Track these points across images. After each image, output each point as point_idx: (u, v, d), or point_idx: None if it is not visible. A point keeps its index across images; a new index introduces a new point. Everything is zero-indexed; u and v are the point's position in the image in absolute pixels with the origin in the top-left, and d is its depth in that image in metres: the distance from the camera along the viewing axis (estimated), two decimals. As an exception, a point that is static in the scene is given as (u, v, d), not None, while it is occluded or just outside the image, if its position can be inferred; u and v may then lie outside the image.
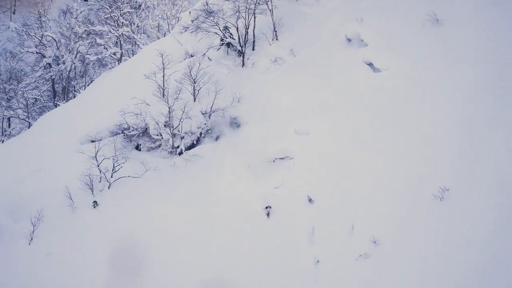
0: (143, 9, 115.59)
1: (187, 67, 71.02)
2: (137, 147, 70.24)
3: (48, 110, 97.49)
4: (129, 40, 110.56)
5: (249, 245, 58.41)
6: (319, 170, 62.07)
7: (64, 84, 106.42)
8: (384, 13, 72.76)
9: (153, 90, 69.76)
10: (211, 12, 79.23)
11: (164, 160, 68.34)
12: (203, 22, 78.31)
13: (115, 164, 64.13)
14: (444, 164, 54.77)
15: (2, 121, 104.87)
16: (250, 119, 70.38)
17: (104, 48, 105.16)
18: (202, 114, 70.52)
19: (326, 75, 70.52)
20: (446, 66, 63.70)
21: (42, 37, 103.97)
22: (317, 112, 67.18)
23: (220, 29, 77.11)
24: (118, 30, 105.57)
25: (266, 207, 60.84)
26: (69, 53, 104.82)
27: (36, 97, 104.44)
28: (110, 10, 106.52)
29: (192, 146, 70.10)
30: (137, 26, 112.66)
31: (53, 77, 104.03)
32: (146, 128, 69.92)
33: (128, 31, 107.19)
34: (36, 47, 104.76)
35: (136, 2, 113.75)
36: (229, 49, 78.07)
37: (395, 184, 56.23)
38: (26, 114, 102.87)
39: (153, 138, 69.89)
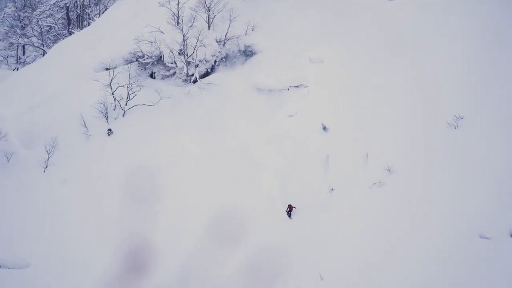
0: None
1: (202, -5, 70.52)
2: (152, 75, 70.14)
3: (63, 38, 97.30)
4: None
5: (263, 174, 58.53)
6: (334, 98, 61.87)
7: (79, 11, 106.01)
8: None
9: (167, 18, 69.39)
10: None
11: (179, 88, 68.26)
12: None
13: (130, 92, 64.15)
14: (459, 92, 54.45)
15: (17, 49, 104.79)
16: (264, 47, 70.01)
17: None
18: (217, 42, 70.19)
19: (341, 3, 69.81)
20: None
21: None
22: (332, 40, 66.71)
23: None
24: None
25: (289, 206, 56.23)
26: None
27: (51, 25, 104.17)
28: None
29: (206, 74, 69.93)
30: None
31: (67, 4, 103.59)
32: (161, 56, 69.71)
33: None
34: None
35: None
36: (244, -24, 77.39)
37: (410, 112, 56.00)
38: (40, 41, 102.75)
39: (168, 66, 69.71)
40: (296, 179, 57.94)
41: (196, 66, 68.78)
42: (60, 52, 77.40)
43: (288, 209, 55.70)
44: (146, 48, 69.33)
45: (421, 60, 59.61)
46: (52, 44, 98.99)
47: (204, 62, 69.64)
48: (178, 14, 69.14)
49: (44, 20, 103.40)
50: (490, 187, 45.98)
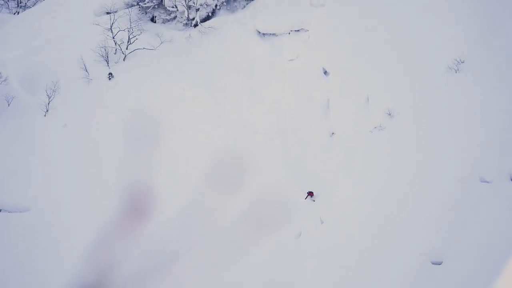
0: None
1: None
2: (152, 19, 69.78)
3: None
4: None
5: (263, 118, 58.51)
6: (335, 43, 61.59)
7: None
8: None
9: (167, -39, 68.86)
10: None
11: (180, 32, 67.96)
12: None
13: (130, 36, 63.90)
14: (460, 35, 54.16)
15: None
16: (265, -10, 69.48)
17: None
18: (218, -15, 69.75)
19: None
20: None
21: None
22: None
23: None
24: None
25: (308, 193, 52.67)
26: None
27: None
28: None
29: (207, 18, 69.57)
30: None
31: None
32: (162, 0, 69.26)
33: None
34: None
35: None
36: None
37: (411, 55, 55.78)
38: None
39: (168, 10, 69.32)
40: (297, 123, 57.93)
41: (197, 10, 68.39)
42: (60, -4, 76.86)
43: (308, 195, 52.11)
44: (146, -8, 68.90)
45: (421, 4, 59.17)
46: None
47: (205, 6, 69.22)
48: (178, -44, 68.53)
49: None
50: (491, 131, 46.00)
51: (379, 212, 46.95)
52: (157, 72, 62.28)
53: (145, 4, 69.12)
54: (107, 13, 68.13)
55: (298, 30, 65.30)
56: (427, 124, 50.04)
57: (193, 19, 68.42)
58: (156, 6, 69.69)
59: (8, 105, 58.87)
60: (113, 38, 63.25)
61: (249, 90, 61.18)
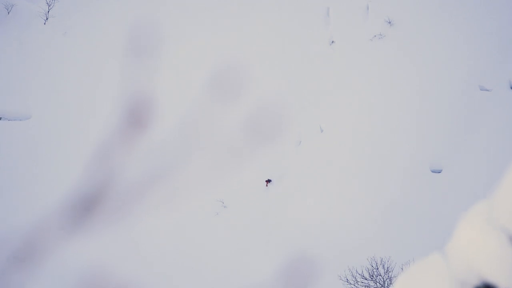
0: None
1: None
2: None
3: None
4: None
5: (262, 27, 58.06)
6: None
7: None
8: None
9: None
10: None
11: None
12: None
13: None
14: None
15: None
16: None
17: None
18: None
19: None
20: None
21: None
22: None
23: None
24: None
25: (266, 181, 50.16)
26: None
27: None
28: None
29: None
30: None
31: None
32: None
33: None
34: None
35: None
36: None
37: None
38: None
39: None
40: (296, 32, 57.56)
41: None
42: None
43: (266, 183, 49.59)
44: None
45: None
46: None
47: None
48: None
49: None
50: (491, 40, 45.83)
51: (379, 121, 47.11)
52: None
53: None
54: None
55: None
56: (427, 33, 49.80)
57: None
58: None
59: (8, 13, 58.43)
60: None
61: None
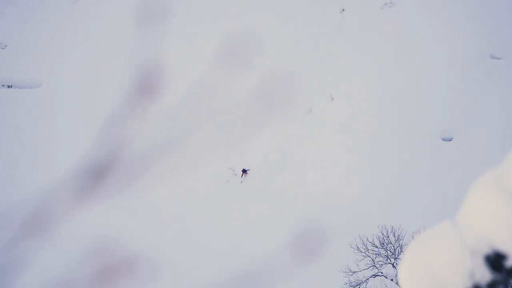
0: None
1: None
2: None
3: None
4: None
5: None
6: None
7: None
8: None
9: None
10: None
11: None
12: None
13: None
14: None
15: None
16: None
17: None
18: None
19: None
20: None
21: None
22: None
23: None
24: None
25: (243, 171, 49.02)
26: None
27: None
28: None
29: None
30: None
31: None
32: None
33: None
34: None
35: None
36: None
37: None
38: None
39: None
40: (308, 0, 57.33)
41: None
42: None
43: (243, 173, 48.40)
44: None
45: None
46: None
47: None
48: None
49: None
50: (502, 7, 45.54)
51: (390, 89, 47.03)
52: None
53: None
54: None
55: None
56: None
57: None
58: None
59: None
60: None
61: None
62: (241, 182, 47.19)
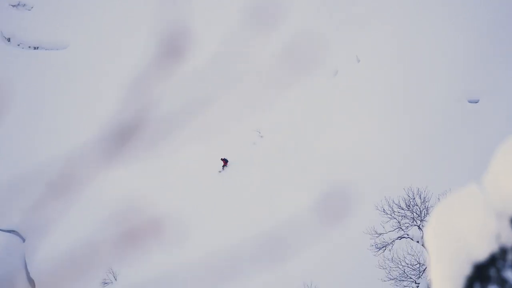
0: None
1: None
2: None
3: None
4: None
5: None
6: None
7: None
8: None
9: None
10: None
11: None
12: None
13: None
14: None
15: None
16: None
17: None
18: None
19: None
20: None
21: None
22: None
23: None
24: None
25: (222, 160, 48.28)
26: None
27: None
28: None
29: None
30: None
31: None
32: None
33: None
34: None
35: None
36: None
37: None
38: None
39: None
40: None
41: None
42: None
43: (224, 164, 47.96)
44: None
45: None
46: None
47: None
48: None
49: None
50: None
51: (417, 51, 46.76)
52: None
53: None
54: None
55: None
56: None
57: None
58: None
59: None
60: None
61: None
62: (220, 171, 46.58)
